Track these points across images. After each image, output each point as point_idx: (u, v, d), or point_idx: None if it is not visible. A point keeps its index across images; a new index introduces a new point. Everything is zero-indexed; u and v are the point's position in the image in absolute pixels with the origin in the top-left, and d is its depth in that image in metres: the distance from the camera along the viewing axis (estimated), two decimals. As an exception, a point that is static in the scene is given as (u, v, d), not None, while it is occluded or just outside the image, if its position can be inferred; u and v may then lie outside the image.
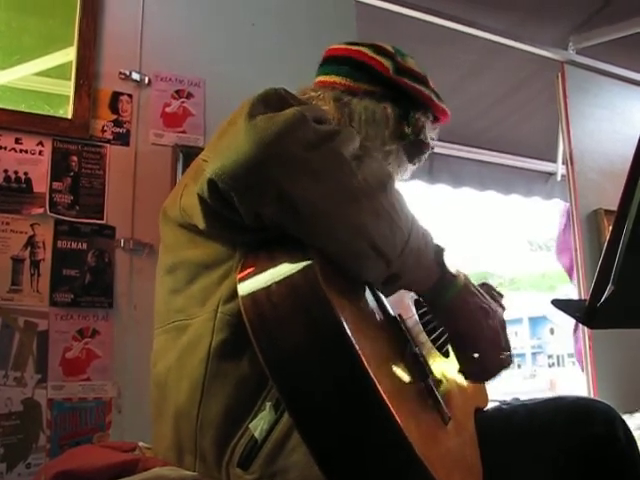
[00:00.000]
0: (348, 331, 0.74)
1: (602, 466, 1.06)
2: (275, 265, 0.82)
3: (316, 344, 0.76)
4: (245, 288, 0.82)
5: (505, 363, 1.05)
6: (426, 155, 1.32)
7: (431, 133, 1.33)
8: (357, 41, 1.33)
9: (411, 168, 1.33)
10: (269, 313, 0.78)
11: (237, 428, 0.89)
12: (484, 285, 1.31)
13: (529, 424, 1.10)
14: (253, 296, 0.80)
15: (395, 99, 1.25)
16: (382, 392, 0.72)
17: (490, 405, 1.24)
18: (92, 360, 1.88)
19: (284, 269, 0.81)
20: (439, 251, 1.01)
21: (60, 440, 1.80)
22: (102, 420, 1.87)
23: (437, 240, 1.02)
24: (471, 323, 1.02)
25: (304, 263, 0.80)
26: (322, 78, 1.29)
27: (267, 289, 0.80)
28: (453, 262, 1.04)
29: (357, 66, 1.26)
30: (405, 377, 0.86)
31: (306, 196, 0.82)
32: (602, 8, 3.29)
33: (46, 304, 1.85)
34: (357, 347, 0.74)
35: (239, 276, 0.84)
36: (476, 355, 1.02)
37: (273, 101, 0.89)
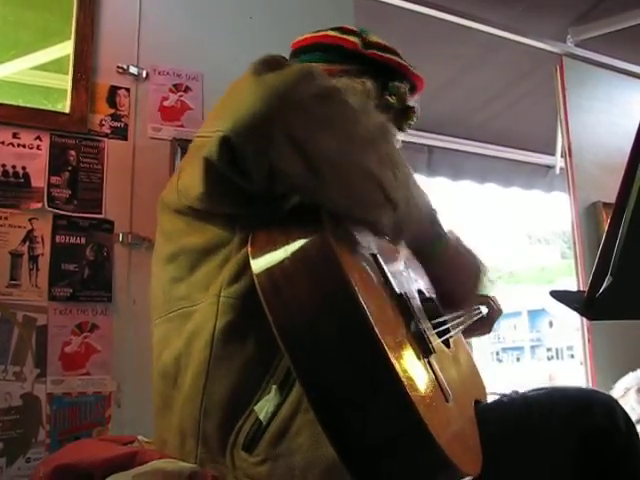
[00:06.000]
0: (362, 300, 0.76)
1: (603, 457, 1.05)
2: (288, 239, 0.83)
3: (331, 316, 0.78)
4: (259, 264, 0.83)
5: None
6: (414, 121, 1.35)
7: (412, 101, 1.36)
8: (319, 29, 1.35)
9: (400, 136, 1.36)
10: (284, 287, 0.80)
11: (242, 411, 0.90)
12: None
13: (528, 416, 1.10)
14: (268, 272, 0.81)
15: (371, 73, 1.26)
16: (391, 358, 0.75)
17: (489, 398, 1.25)
18: (91, 354, 1.88)
19: (298, 243, 0.82)
20: (432, 209, 1.09)
21: (60, 435, 1.80)
22: (101, 414, 1.87)
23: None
24: (460, 269, 1.16)
25: (317, 235, 0.82)
26: None
27: (281, 264, 0.81)
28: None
29: (327, 49, 1.29)
30: (409, 350, 0.87)
31: (319, 144, 0.85)
32: (600, 0, 3.28)
33: (45, 299, 1.85)
34: (370, 317, 0.76)
35: (251, 251, 0.85)
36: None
37: (274, 63, 0.90)
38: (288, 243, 0.83)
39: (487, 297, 1.56)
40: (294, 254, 0.81)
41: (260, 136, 0.82)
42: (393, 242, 1.04)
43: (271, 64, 0.89)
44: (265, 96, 0.81)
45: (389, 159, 0.94)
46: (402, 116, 1.30)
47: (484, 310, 1.48)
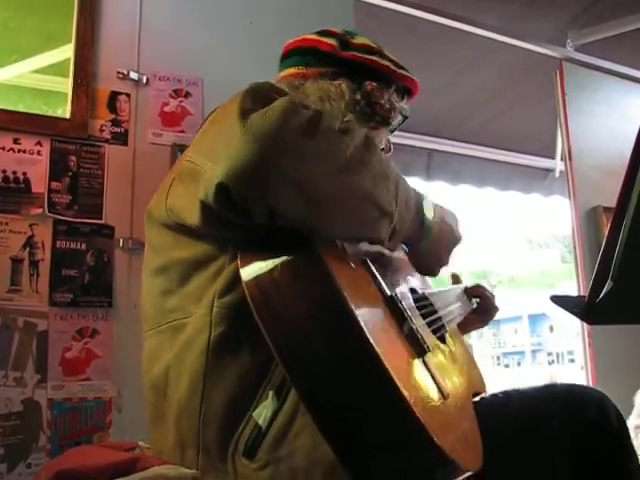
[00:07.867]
0: (351, 305, 0.78)
1: (595, 451, 1.08)
2: (278, 250, 0.85)
3: (321, 324, 0.79)
4: (248, 273, 0.84)
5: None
6: (393, 120, 1.32)
7: (400, 104, 1.34)
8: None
9: (384, 135, 1.35)
10: (274, 294, 0.82)
11: (241, 418, 0.91)
12: None
13: (524, 411, 1.12)
14: (257, 280, 0.83)
15: (350, 74, 1.26)
16: (385, 360, 0.76)
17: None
18: (92, 360, 1.88)
19: (286, 252, 0.84)
20: (417, 193, 1.09)
21: (60, 440, 1.80)
22: (102, 420, 1.87)
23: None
24: (443, 250, 1.20)
25: (305, 244, 0.84)
26: (280, 75, 1.33)
27: (270, 272, 0.83)
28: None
29: (304, 52, 1.30)
30: (403, 352, 0.87)
31: (314, 179, 0.85)
32: (599, 4, 3.29)
33: (45, 304, 1.85)
34: (361, 321, 0.77)
35: (241, 262, 0.87)
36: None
37: (259, 95, 0.91)
38: (276, 252, 0.85)
39: (478, 286, 1.57)
40: (282, 262, 0.83)
41: (257, 183, 0.81)
42: (390, 247, 1.06)
43: (256, 99, 0.88)
44: (255, 142, 0.81)
45: (379, 171, 0.95)
46: (372, 114, 1.27)
47: (474, 302, 1.52)
